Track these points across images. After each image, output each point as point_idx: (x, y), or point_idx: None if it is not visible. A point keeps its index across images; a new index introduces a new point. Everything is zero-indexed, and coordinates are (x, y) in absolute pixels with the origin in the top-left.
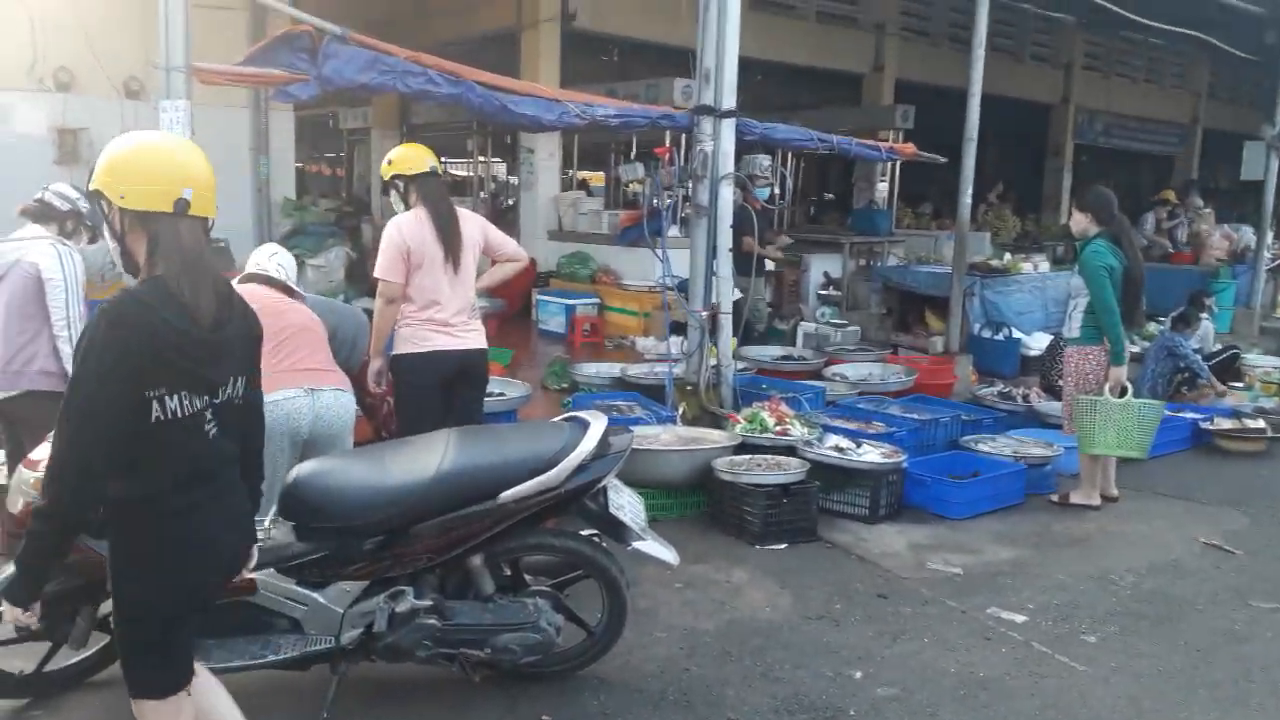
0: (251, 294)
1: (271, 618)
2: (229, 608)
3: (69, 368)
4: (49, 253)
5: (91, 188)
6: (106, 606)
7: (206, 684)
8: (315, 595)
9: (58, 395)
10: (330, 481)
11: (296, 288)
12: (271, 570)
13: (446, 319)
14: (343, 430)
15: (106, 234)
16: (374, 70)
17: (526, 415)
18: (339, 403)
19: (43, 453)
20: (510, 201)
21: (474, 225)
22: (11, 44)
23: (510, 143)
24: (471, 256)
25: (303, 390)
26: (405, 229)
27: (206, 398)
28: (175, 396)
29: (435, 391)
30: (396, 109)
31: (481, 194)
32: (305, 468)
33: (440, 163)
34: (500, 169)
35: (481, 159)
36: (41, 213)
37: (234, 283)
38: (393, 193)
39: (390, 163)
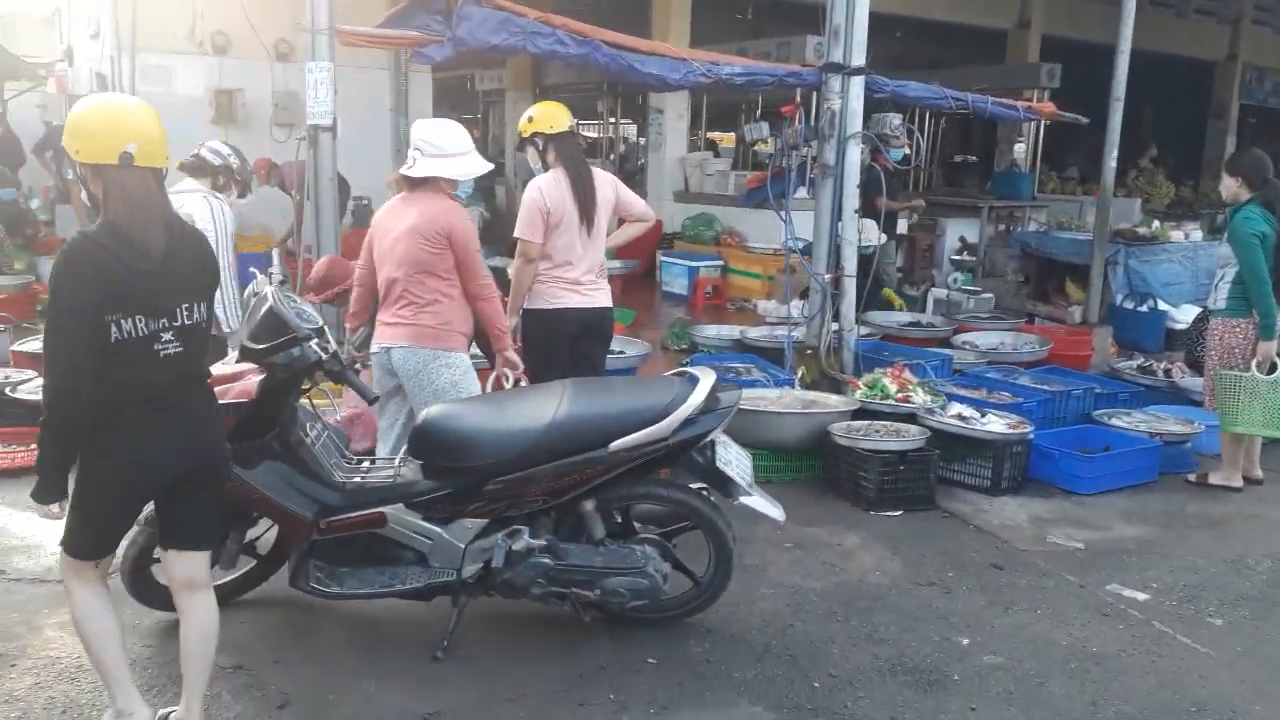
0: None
1: (399, 550)
2: (361, 539)
3: (220, 314)
4: (202, 205)
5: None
6: (253, 531)
7: (99, 594)
8: (439, 530)
9: (211, 339)
10: (455, 424)
11: None
12: (400, 505)
13: (577, 277)
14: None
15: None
16: (505, 31)
17: (645, 374)
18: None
19: None
20: (640, 163)
21: (608, 185)
22: (175, 9)
23: (640, 104)
24: (604, 216)
25: None
26: (546, 190)
27: (164, 320)
28: (130, 319)
29: (563, 347)
30: (530, 70)
31: (611, 155)
32: (433, 410)
33: (574, 123)
34: (630, 130)
35: (612, 120)
36: (196, 167)
37: None
38: (530, 149)
39: (531, 119)
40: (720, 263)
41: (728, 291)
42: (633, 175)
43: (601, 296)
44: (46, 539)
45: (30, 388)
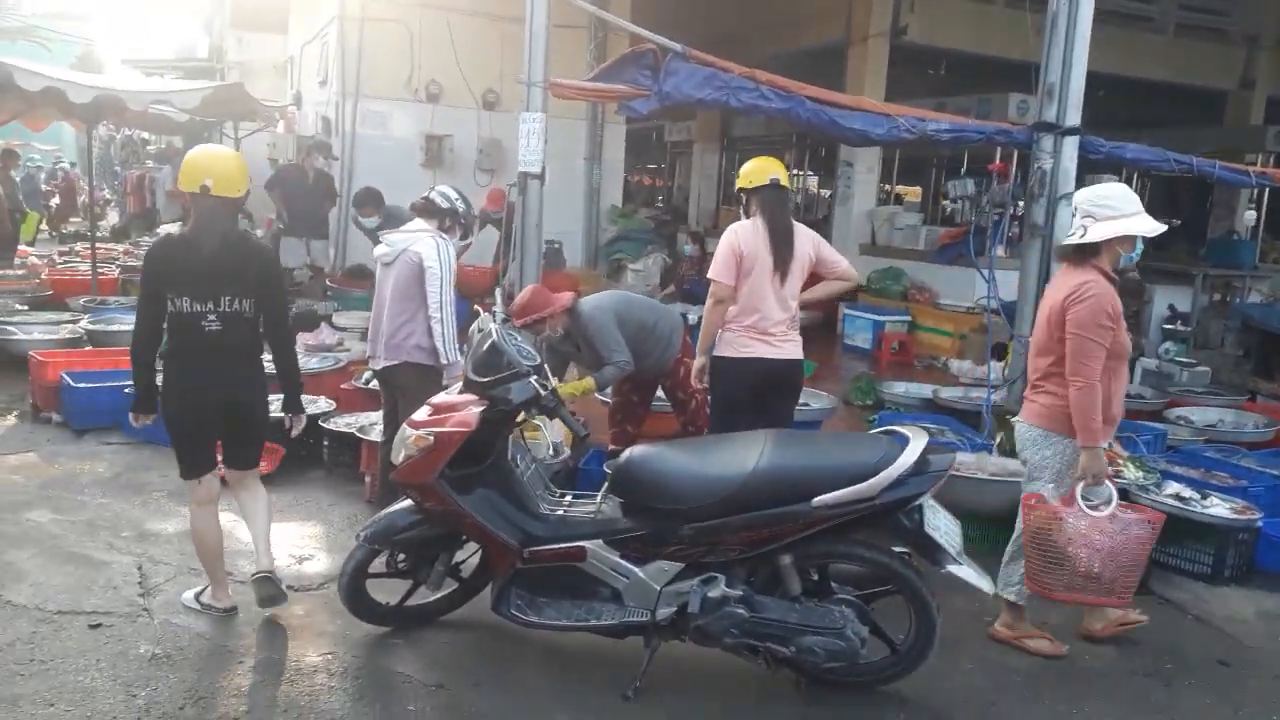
0: None
1: (596, 585)
2: (561, 571)
3: (440, 345)
4: (430, 245)
5: None
6: (460, 554)
7: (207, 511)
8: (636, 570)
9: (428, 368)
10: (657, 466)
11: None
12: (600, 541)
13: (767, 327)
14: None
15: None
16: (710, 86)
17: (830, 429)
18: None
19: (423, 414)
20: (821, 215)
21: (807, 240)
22: (395, 59)
23: (824, 156)
24: (800, 270)
25: None
26: (741, 234)
27: (210, 304)
28: (182, 299)
29: (748, 396)
30: (719, 123)
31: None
32: (636, 451)
33: (786, 174)
34: (812, 182)
35: (796, 172)
36: (426, 209)
37: None
38: (741, 204)
39: (740, 176)
40: (908, 318)
41: (915, 348)
42: (814, 226)
43: (791, 348)
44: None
45: None
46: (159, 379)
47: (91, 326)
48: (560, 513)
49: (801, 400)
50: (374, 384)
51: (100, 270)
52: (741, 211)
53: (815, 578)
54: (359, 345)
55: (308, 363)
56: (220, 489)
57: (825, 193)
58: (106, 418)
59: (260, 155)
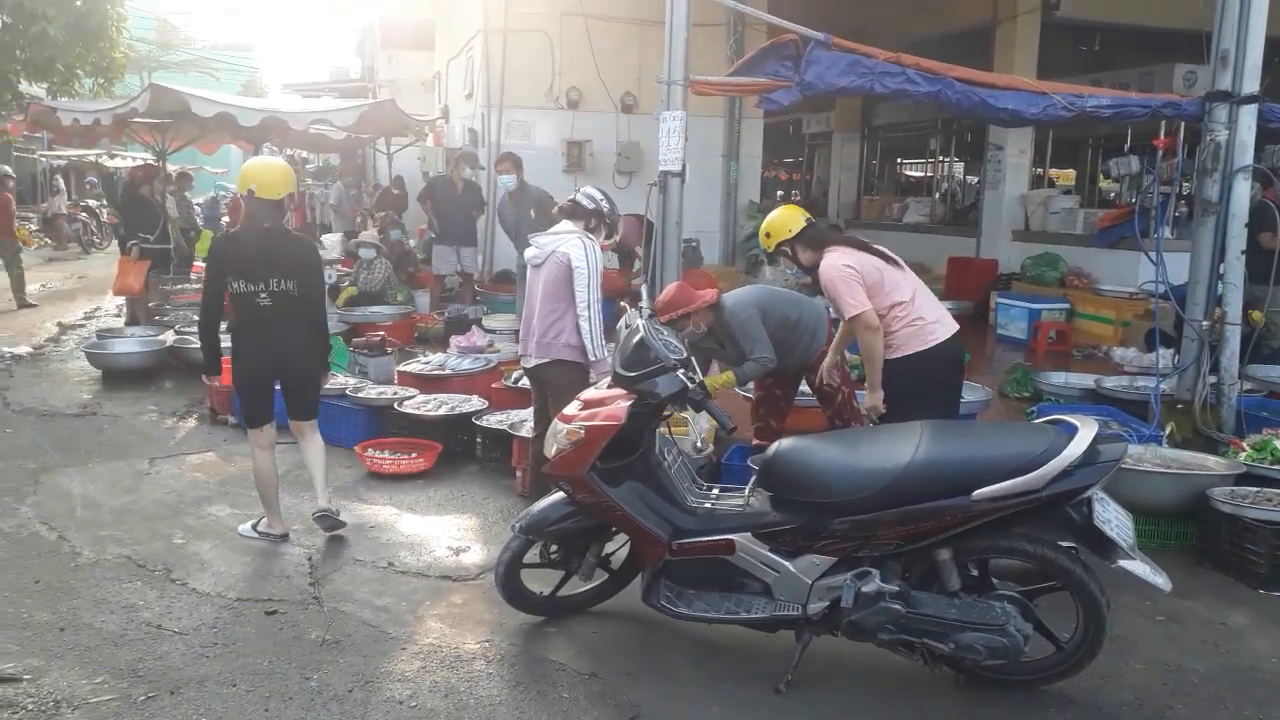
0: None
1: (745, 579)
2: (709, 563)
3: (588, 343)
4: (577, 245)
5: None
6: (610, 546)
7: (265, 454)
8: (786, 563)
9: (577, 365)
10: (808, 458)
11: None
12: (749, 534)
13: (931, 312)
14: None
15: None
16: (853, 73)
17: (984, 420)
18: None
19: (573, 409)
20: (969, 202)
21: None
22: (537, 70)
23: (970, 141)
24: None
25: None
26: (843, 261)
27: (260, 285)
28: (239, 281)
29: (939, 384)
30: (859, 112)
31: (938, 193)
32: (786, 443)
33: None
34: (957, 168)
35: (942, 158)
36: (573, 211)
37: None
38: (782, 260)
39: (769, 235)
40: (1066, 306)
41: (1073, 337)
42: (961, 213)
43: (954, 323)
44: (429, 538)
45: (414, 403)
46: (229, 348)
47: None
48: (708, 505)
49: None
50: (524, 382)
51: None
52: (786, 265)
53: (975, 573)
54: (508, 346)
55: (460, 364)
56: (275, 435)
57: (972, 179)
58: (277, 418)
59: (412, 168)
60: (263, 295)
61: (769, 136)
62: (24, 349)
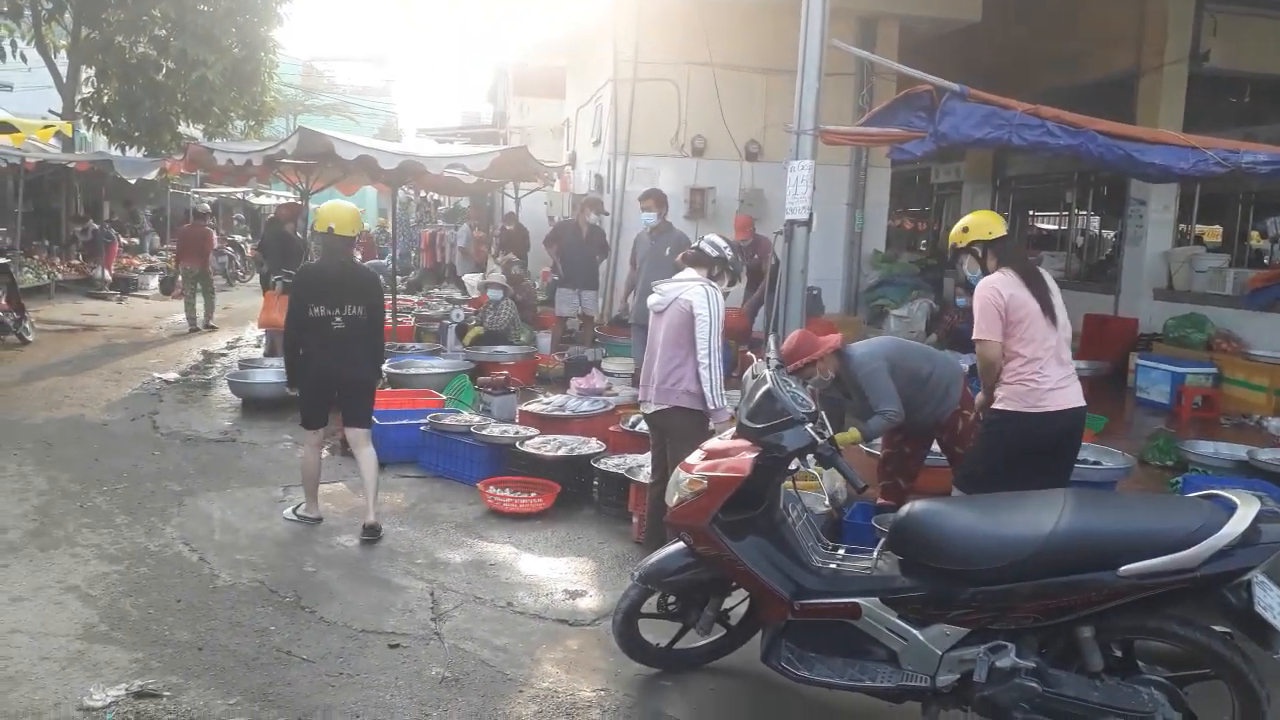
0: None
1: (870, 645)
2: (833, 626)
3: (708, 391)
4: (699, 293)
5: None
6: (729, 601)
7: (314, 452)
8: (915, 632)
9: (697, 413)
10: (942, 522)
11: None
12: (876, 600)
13: (1054, 375)
14: None
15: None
16: (990, 125)
17: (1125, 490)
18: None
19: (696, 458)
20: (1103, 255)
21: (1053, 282)
22: (664, 118)
23: (1108, 194)
24: (1062, 310)
25: None
26: (1000, 287)
27: (336, 310)
28: (318, 307)
29: (1031, 455)
30: (990, 163)
31: (1073, 248)
32: (918, 505)
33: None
34: (1093, 222)
35: (1080, 212)
36: (696, 258)
37: None
38: (967, 258)
39: (966, 230)
40: (1213, 370)
41: (1221, 404)
42: (1097, 268)
43: (1077, 392)
44: (547, 580)
45: (535, 443)
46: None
47: (391, 370)
48: (834, 566)
49: (1093, 458)
50: (642, 426)
51: (399, 319)
52: (968, 266)
53: (1119, 654)
54: (627, 390)
55: (580, 405)
56: (324, 438)
57: (1109, 233)
58: (404, 452)
59: (539, 212)
60: (337, 319)
61: (895, 185)
62: (172, 375)
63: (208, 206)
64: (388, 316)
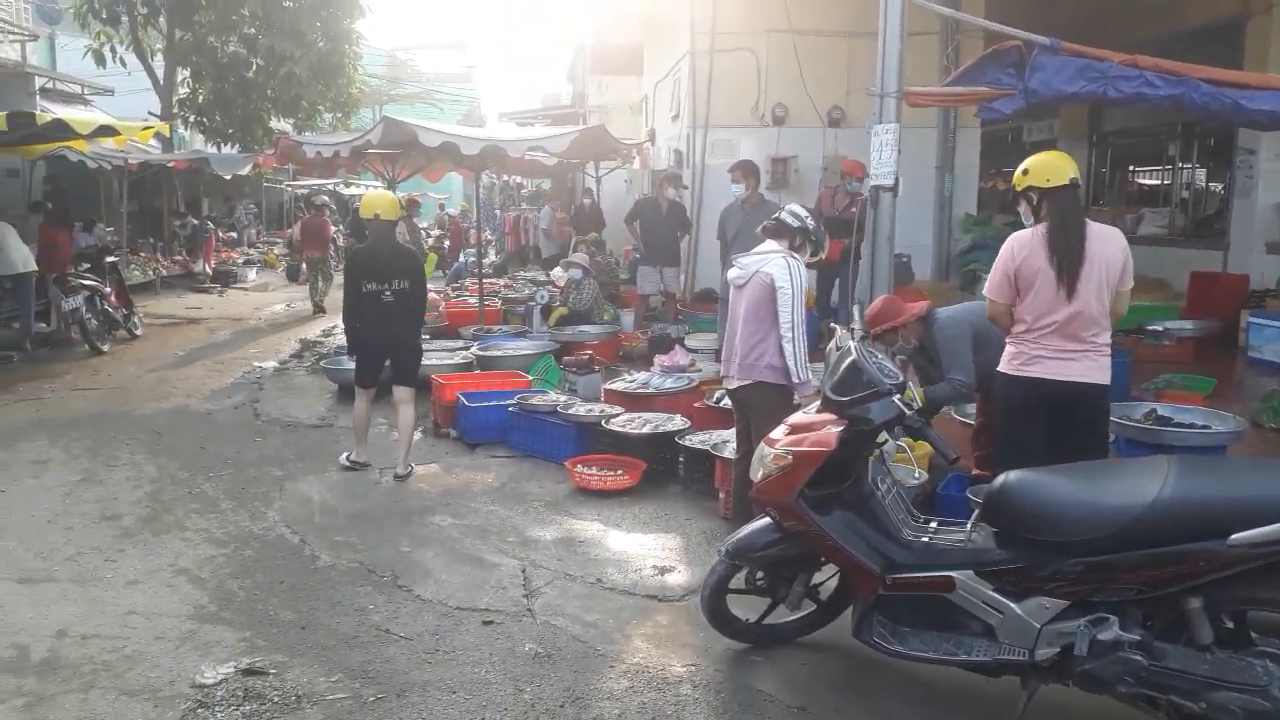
0: None
1: (966, 619)
2: (926, 600)
3: (791, 365)
4: (781, 265)
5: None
6: (819, 576)
7: (363, 403)
8: (1012, 605)
9: (780, 387)
10: (1039, 493)
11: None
12: (970, 572)
13: (1056, 344)
14: None
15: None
16: (1083, 79)
17: (1235, 454)
18: None
19: (780, 433)
20: (1212, 210)
21: (1116, 247)
22: (743, 88)
23: (1214, 146)
24: (1098, 279)
25: None
26: (1017, 247)
27: (385, 285)
28: (370, 282)
29: (1035, 420)
30: (1085, 118)
31: (1175, 203)
32: (1013, 476)
33: (1078, 174)
34: (1198, 175)
35: (1184, 165)
36: (777, 230)
37: None
38: (1023, 203)
39: (1026, 172)
40: None
41: None
42: (1204, 222)
43: (1081, 368)
44: (636, 555)
45: (620, 421)
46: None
47: (480, 353)
48: (925, 539)
49: (1200, 422)
50: (726, 402)
51: (486, 303)
52: (1024, 212)
53: (1231, 625)
54: (710, 365)
55: (664, 382)
56: (374, 394)
57: (1216, 187)
58: (494, 433)
59: (619, 190)
60: (386, 293)
61: (986, 145)
62: (271, 364)
63: (326, 199)
64: (473, 300)
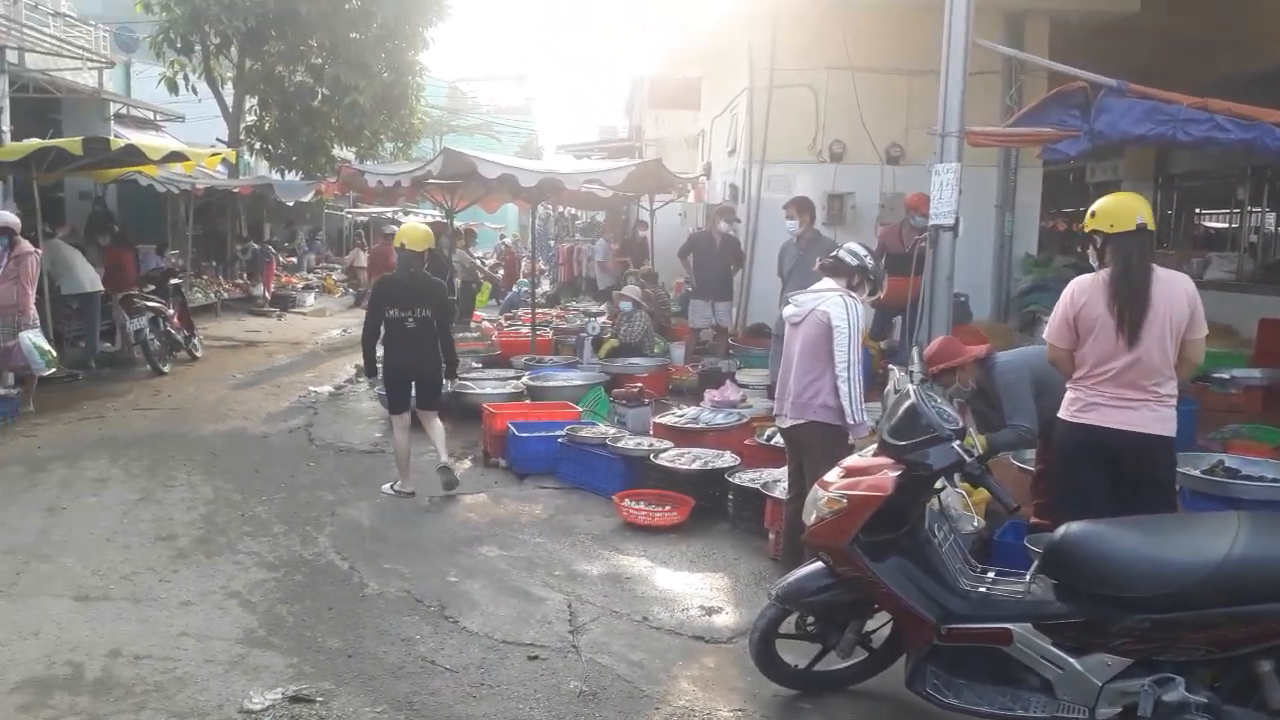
0: None
1: (1024, 673)
2: (982, 652)
3: (846, 405)
4: (838, 303)
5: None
6: (871, 623)
7: (403, 431)
8: (1072, 661)
9: (834, 428)
10: (1103, 545)
11: None
12: (1029, 625)
13: (1114, 391)
14: None
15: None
16: (1150, 121)
17: None
18: None
19: (835, 476)
20: None
21: (1182, 296)
22: (801, 124)
23: None
24: (1161, 327)
25: None
26: (1077, 292)
27: (409, 312)
28: (393, 309)
29: (1094, 468)
30: (1152, 159)
31: (1244, 248)
32: (1075, 527)
33: (1153, 217)
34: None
35: (1251, 208)
36: (835, 268)
37: None
38: (1091, 246)
39: (1093, 215)
40: None
41: None
42: (1275, 269)
43: (1140, 418)
44: (683, 594)
45: (669, 456)
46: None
47: (531, 383)
48: (983, 590)
49: (1271, 475)
50: (777, 440)
51: (538, 333)
52: (1091, 255)
53: None
54: (761, 402)
55: (714, 418)
56: (410, 420)
57: None
58: (543, 464)
59: (673, 223)
60: (410, 320)
61: (1047, 185)
62: (327, 388)
63: (394, 229)
64: (525, 330)
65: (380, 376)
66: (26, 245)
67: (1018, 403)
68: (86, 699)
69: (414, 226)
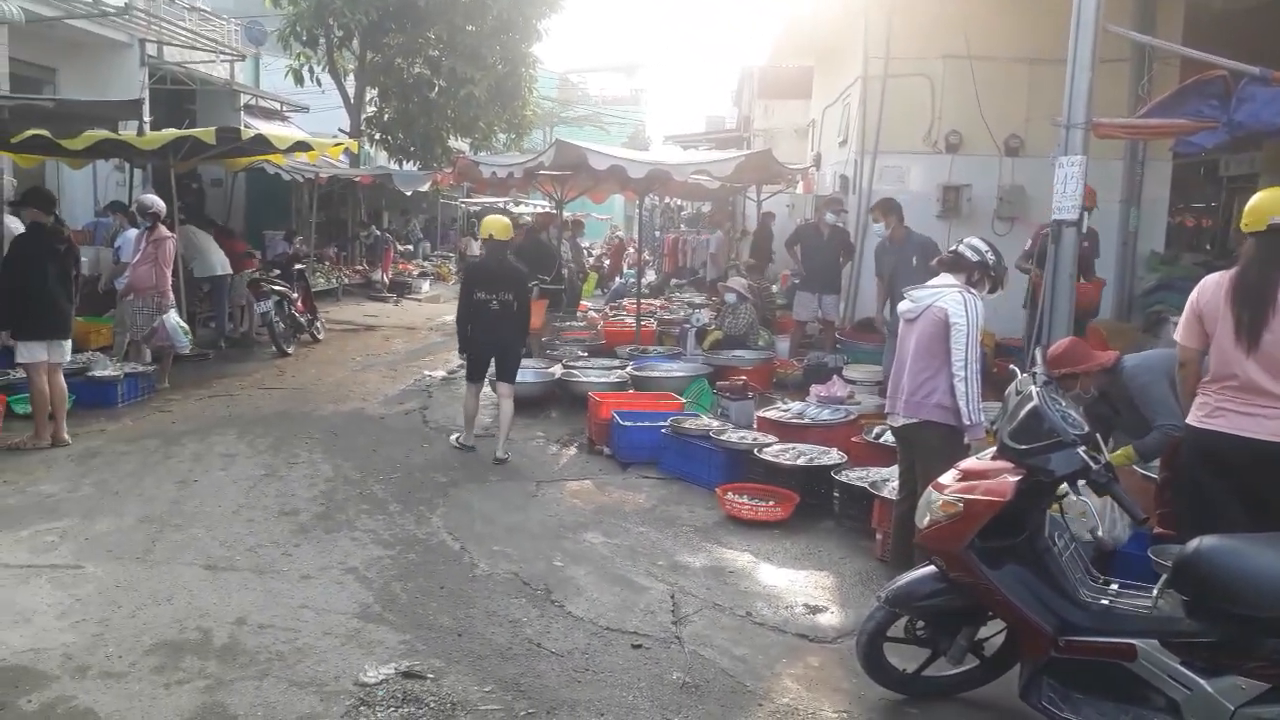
0: None
1: (1148, 691)
2: (1102, 667)
3: (963, 405)
4: (956, 300)
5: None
6: (984, 630)
7: (473, 397)
8: (1202, 682)
9: (949, 428)
10: (1240, 562)
11: None
12: (1155, 642)
13: (1244, 396)
14: None
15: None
16: None
17: None
18: None
19: (950, 478)
20: None
21: None
22: (915, 114)
23: None
24: None
25: None
26: (1203, 290)
27: (493, 295)
28: (481, 291)
29: (1224, 477)
30: None
31: None
32: (1209, 541)
33: None
34: None
35: None
36: (954, 263)
37: None
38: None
39: (1250, 210)
40: None
41: None
42: None
43: (1273, 427)
44: (786, 592)
45: (773, 451)
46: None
47: (635, 372)
48: (1105, 602)
49: None
50: (886, 438)
51: (642, 323)
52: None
53: None
54: (869, 399)
55: (819, 413)
56: (481, 388)
57: None
58: (646, 453)
59: (781, 214)
60: (494, 303)
61: (1176, 179)
62: (440, 373)
63: (528, 219)
64: (630, 320)
65: (466, 350)
66: (164, 230)
67: (1159, 403)
68: (214, 664)
69: (497, 219)
